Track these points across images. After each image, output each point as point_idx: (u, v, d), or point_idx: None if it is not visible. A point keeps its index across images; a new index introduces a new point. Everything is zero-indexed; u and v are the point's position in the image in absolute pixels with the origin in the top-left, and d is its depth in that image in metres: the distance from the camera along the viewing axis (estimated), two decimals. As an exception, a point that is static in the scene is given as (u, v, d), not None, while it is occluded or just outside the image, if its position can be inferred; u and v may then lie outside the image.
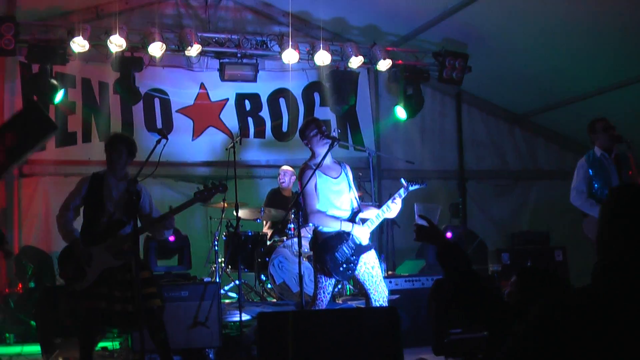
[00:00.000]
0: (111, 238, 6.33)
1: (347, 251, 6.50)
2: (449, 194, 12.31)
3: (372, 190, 10.19)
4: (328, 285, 6.60)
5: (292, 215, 8.99)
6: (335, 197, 6.67)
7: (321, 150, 6.73)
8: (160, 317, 6.43)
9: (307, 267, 8.53)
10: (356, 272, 6.61)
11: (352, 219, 6.66)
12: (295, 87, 11.43)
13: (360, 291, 8.53)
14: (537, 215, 12.45)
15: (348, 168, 6.97)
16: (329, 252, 6.46)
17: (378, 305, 6.57)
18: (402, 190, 6.82)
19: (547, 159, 13.16)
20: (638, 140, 7.97)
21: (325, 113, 11.49)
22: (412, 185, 6.89)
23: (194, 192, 6.60)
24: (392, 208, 6.76)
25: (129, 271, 6.27)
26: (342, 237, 6.52)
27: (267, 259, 9.08)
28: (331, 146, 6.76)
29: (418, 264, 9.85)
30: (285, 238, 9.28)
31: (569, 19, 9.44)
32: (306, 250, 8.27)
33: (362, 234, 6.60)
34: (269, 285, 9.20)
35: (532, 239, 10.46)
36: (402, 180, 6.94)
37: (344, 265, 6.50)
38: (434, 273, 8.76)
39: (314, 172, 6.55)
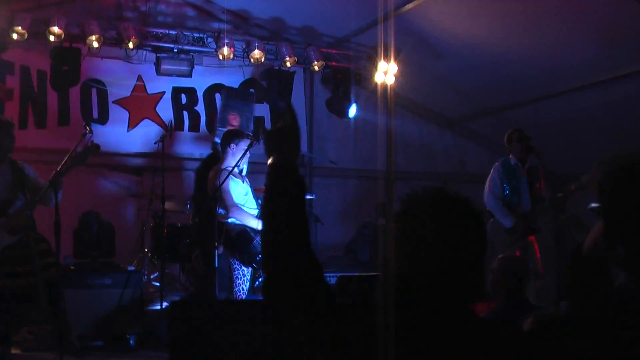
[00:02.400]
0: (3, 217, 6.58)
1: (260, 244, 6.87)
2: (378, 194, 12.67)
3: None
4: (246, 275, 6.94)
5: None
6: (244, 199, 7.04)
7: (235, 157, 7.11)
8: (58, 286, 6.68)
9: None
10: None
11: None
12: (231, 83, 11.62)
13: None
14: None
15: (247, 180, 7.38)
16: (247, 242, 6.81)
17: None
18: None
19: (476, 163, 13.51)
20: (557, 152, 8.39)
21: (260, 110, 11.76)
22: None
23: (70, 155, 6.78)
24: None
25: (26, 246, 6.53)
26: (255, 231, 6.88)
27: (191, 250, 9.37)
28: (249, 146, 7.11)
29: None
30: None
31: (504, 29, 9.84)
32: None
33: None
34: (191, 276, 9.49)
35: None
36: None
37: (259, 257, 6.85)
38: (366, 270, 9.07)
39: (222, 172, 6.93)
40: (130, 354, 7.70)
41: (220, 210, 6.99)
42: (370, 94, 12.62)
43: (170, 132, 9.19)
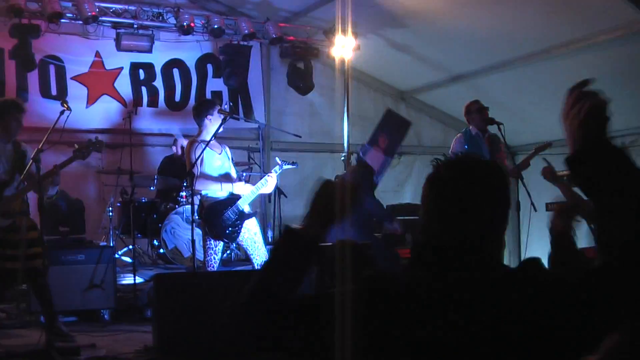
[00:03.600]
0: None
1: (232, 216, 6.97)
2: (335, 167, 12.82)
3: (262, 162, 10.65)
4: (217, 248, 7.05)
5: (185, 184, 9.34)
6: (217, 170, 7.11)
7: (211, 128, 7.16)
8: (44, 276, 6.69)
9: (198, 234, 8.91)
10: (240, 238, 7.11)
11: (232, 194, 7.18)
12: (189, 58, 11.64)
13: (245, 256, 9.02)
14: (420, 190, 13.02)
15: (227, 148, 7.42)
16: (216, 216, 6.92)
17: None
18: (276, 167, 7.34)
19: (431, 135, 13.77)
20: (511, 122, 8.61)
21: (218, 85, 11.80)
22: (285, 164, 7.39)
23: (73, 150, 6.83)
24: (268, 183, 7.26)
25: (16, 230, 6.53)
26: (227, 203, 6.98)
27: (159, 225, 9.42)
28: (224, 120, 7.18)
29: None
30: (177, 205, 9.62)
31: (454, 2, 10.02)
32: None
33: (242, 190, 7.09)
34: (161, 251, 9.54)
35: (413, 211, 10.97)
36: (277, 159, 7.46)
37: (230, 229, 6.98)
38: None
39: (197, 145, 6.98)
40: (105, 328, 7.73)
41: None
42: (327, 68, 12.75)
43: (135, 108, 9.16)
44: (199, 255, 8.57)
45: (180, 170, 10.23)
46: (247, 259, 8.72)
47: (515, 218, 8.08)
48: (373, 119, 13.36)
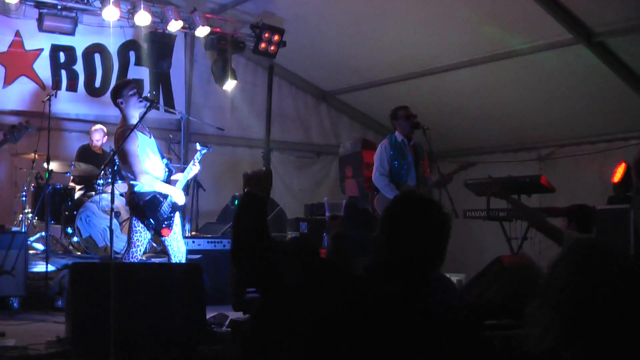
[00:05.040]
0: None
1: (167, 209, 6.84)
2: (254, 163, 12.76)
3: (182, 153, 10.52)
4: (144, 240, 6.91)
5: (104, 173, 9.14)
6: (152, 155, 6.94)
7: (135, 112, 6.93)
8: None
9: (115, 224, 8.73)
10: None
11: (168, 180, 7.01)
12: (112, 43, 11.42)
13: (163, 249, 8.89)
14: (337, 189, 13.08)
15: (151, 133, 7.27)
16: (153, 210, 6.77)
17: (177, 261, 6.99)
18: (198, 154, 7.24)
19: (350, 136, 13.83)
20: (440, 130, 8.71)
21: (140, 72, 11.63)
22: (204, 149, 7.30)
23: (3, 132, 6.65)
24: (193, 170, 7.20)
25: None
26: (163, 195, 6.85)
27: (74, 212, 9.21)
28: (148, 108, 7.00)
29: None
30: (93, 193, 9.42)
31: (382, 7, 10.10)
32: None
33: (180, 197, 6.98)
34: (75, 239, 9.33)
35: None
36: (197, 144, 7.36)
37: (165, 222, 6.85)
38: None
39: (131, 132, 6.73)
40: (14, 317, 7.49)
41: (128, 175, 6.88)
42: (250, 63, 12.70)
43: (55, 92, 8.92)
44: (115, 246, 8.43)
45: (97, 159, 10.06)
46: (162, 252, 8.68)
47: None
48: (293, 116, 13.40)
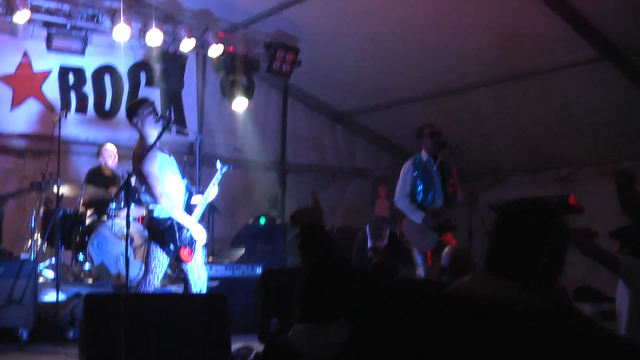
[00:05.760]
0: None
1: (189, 235, 6.50)
2: (268, 186, 12.47)
3: (197, 176, 10.16)
4: (163, 268, 6.56)
5: (118, 196, 8.80)
6: (172, 176, 6.62)
7: (152, 132, 6.59)
8: None
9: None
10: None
11: (188, 202, 6.68)
12: (122, 64, 11.14)
13: (179, 275, 8.52)
14: (352, 213, 12.76)
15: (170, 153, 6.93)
16: (173, 237, 6.42)
17: (198, 289, 6.61)
18: (218, 173, 6.94)
19: (365, 158, 13.54)
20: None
21: (151, 93, 11.28)
22: (224, 167, 6.99)
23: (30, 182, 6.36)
24: (212, 191, 6.88)
25: None
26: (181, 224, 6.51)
27: (85, 238, 8.86)
28: (165, 128, 6.66)
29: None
30: (105, 218, 9.08)
31: (399, 26, 9.81)
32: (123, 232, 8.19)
33: (200, 234, 6.63)
34: (87, 267, 8.97)
35: (348, 235, 10.64)
36: (218, 162, 7.04)
37: (188, 247, 6.50)
38: (253, 261, 8.88)
39: (150, 152, 6.40)
40: (23, 349, 7.16)
41: (146, 198, 6.53)
42: (263, 83, 12.38)
43: (65, 113, 8.59)
44: (130, 273, 8.07)
45: (108, 181, 9.72)
46: (180, 278, 8.32)
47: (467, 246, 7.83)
48: (307, 138, 13.08)
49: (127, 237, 6.42)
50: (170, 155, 6.73)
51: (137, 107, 6.70)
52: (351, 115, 13.25)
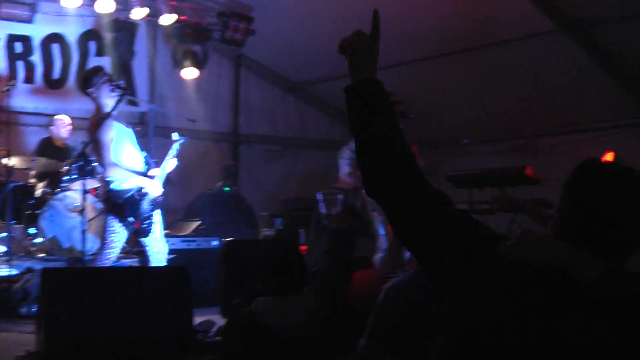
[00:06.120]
0: None
1: (148, 207, 6.36)
2: (220, 156, 12.32)
3: (151, 147, 9.97)
4: (121, 242, 6.41)
5: (71, 168, 8.58)
6: (131, 147, 6.47)
7: (109, 101, 6.44)
8: None
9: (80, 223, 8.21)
10: None
11: (146, 173, 6.53)
12: (71, 33, 10.84)
13: (134, 248, 8.39)
14: (305, 183, 12.65)
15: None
16: (132, 209, 6.27)
17: (157, 263, 6.50)
18: (176, 144, 6.83)
19: (317, 128, 13.44)
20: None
21: (101, 63, 10.98)
22: (182, 139, 6.88)
23: None
24: (171, 163, 6.76)
25: None
26: (142, 193, 6.35)
27: (37, 211, 8.64)
28: (122, 97, 6.51)
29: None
30: (57, 190, 8.86)
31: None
32: (77, 204, 8.00)
33: (156, 188, 6.48)
34: (38, 240, 8.75)
35: (303, 206, 10.56)
36: (174, 134, 6.93)
37: (146, 222, 6.37)
38: (210, 234, 8.76)
39: (106, 121, 6.24)
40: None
41: (100, 168, 6.37)
42: (215, 53, 12.17)
43: (14, 81, 8.34)
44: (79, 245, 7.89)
45: (60, 152, 9.48)
46: (134, 252, 8.18)
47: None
48: (260, 108, 12.93)
49: (83, 210, 6.29)
50: (128, 127, 6.57)
51: (92, 76, 6.52)
52: (304, 85, 13.11)
